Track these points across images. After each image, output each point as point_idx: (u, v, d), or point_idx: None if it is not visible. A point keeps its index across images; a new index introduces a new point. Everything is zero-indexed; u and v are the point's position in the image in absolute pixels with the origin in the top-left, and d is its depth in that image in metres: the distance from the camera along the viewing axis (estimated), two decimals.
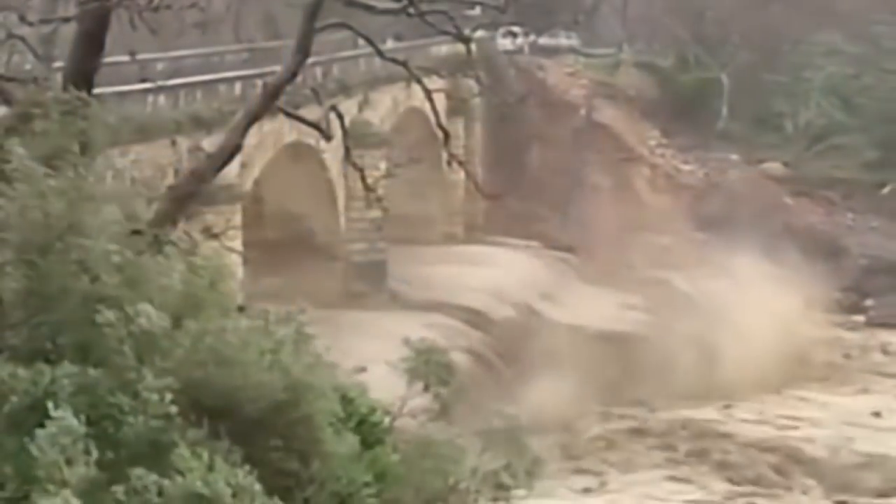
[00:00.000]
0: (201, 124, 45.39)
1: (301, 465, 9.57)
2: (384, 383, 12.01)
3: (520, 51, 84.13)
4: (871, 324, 69.85)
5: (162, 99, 47.55)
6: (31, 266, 9.49)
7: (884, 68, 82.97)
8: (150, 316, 9.28)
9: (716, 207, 76.07)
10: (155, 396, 8.90)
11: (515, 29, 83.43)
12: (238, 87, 51.14)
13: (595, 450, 52.22)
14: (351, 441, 10.23)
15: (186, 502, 8.41)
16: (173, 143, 43.50)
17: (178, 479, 8.41)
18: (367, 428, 10.74)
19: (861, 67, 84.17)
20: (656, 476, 49.83)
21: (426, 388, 11.18)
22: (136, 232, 10.37)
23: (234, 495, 8.47)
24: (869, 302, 71.75)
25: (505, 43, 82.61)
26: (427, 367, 11.39)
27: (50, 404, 8.58)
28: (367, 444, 10.56)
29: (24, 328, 9.45)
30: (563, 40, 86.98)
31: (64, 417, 8.46)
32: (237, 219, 45.55)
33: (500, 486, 11.09)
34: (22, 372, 8.96)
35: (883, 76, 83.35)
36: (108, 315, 9.19)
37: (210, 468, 8.51)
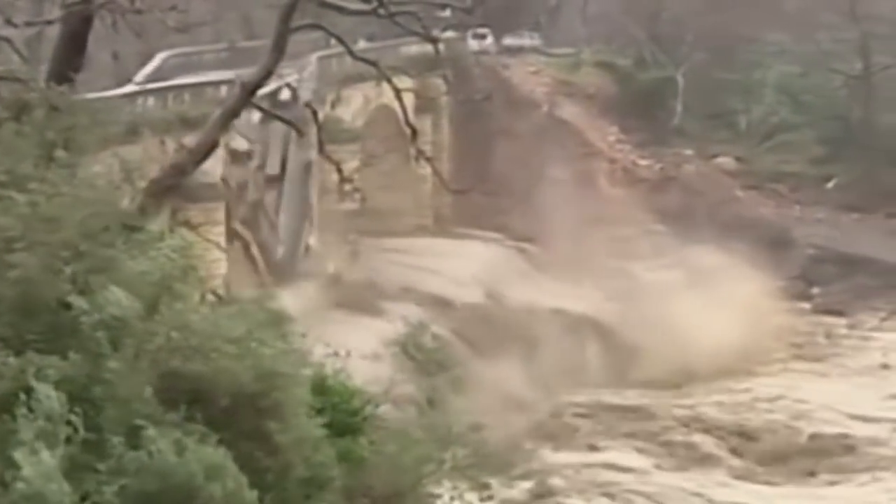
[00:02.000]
0: (188, 124, 45.15)
1: (270, 457, 9.49)
2: (364, 371, 11.88)
3: (487, 51, 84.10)
4: (817, 311, 70.25)
5: (151, 101, 47.50)
6: None
7: (829, 68, 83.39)
8: (121, 302, 9.18)
9: (672, 200, 76.26)
10: (127, 382, 8.82)
11: (483, 31, 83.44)
12: (225, 88, 50.91)
13: (548, 432, 52.19)
14: (321, 430, 10.14)
15: (162, 480, 8.35)
16: (162, 142, 43.34)
17: (151, 457, 8.34)
18: (342, 416, 10.59)
19: (807, 67, 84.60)
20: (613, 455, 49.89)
21: (425, 373, 11.02)
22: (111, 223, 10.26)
23: (208, 475, 8.39)
24: (815, 290, 72.13)
25: (473, 44, 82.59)
26: (418, 351, 11.28)
27: (34, 389, 8.50)
28: (341, 432, 10.43)
29: (7, 318, 9.39)
30: (526, 40, 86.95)
31: (49, 398, 8.38)
32: (220, 216, 45.32)
33: (470, 479, 11.02)
34: (13, 360, 8.89)
35: (828, 75, 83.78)
36: (79, 303, 9.09)
37: (181, 449, 8.44)
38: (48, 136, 10.65)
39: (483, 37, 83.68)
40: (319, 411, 10.10)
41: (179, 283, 9.87)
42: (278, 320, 9.83)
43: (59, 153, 10.48)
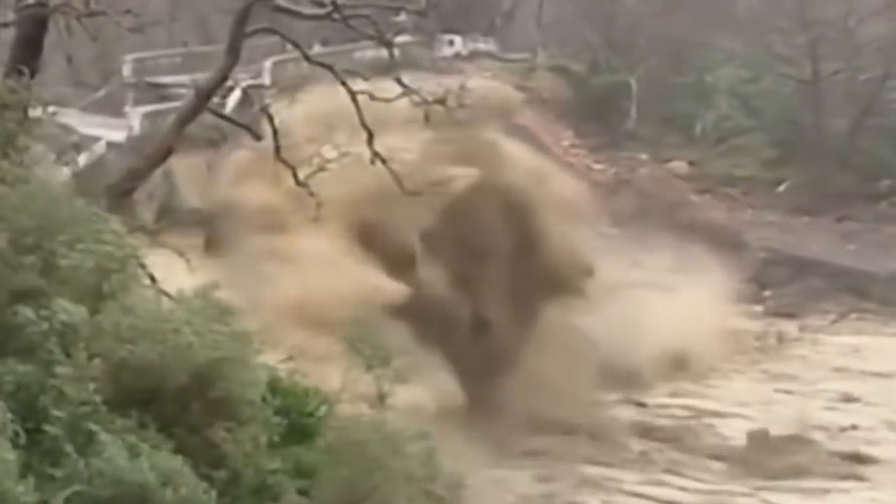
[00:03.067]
0: None
1: (221, 466, 9.41)
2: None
3: (458, 57, 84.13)
4: (769, 313, 70.71)
5: None
6: None
7: (779, 72, 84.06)
8: (68, 309, 9.13)
9: (626, 204, 76.58)
10: (77, 388, 8.74)
11: (453, 36, 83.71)
12: None
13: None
14: (274, 433, 10.06)
15: (114, 486, 8.31)
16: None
17: (104, 464, 8.28)
18: (297, 417, 10.51)
19: (758, 71, 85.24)
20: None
21: (367, 370, 10.97)
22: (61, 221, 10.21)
23: (163, 481, 8.34)
24: (767, 293, 72.62)
25: (444, 49, 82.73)
26: (365, 346, 11.19)
27: None
28: (296, 435, 10.35)
29: None
30: (480, 45, 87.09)
31: None
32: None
33: (426, 493, 10.96)
34: None
35: (779, 80, 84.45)
36: (26, 313, 9.03)
37: (135, 454, 8.38)
38: (3, 132, 10.60)
39: (452, 42, 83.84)
40: (275, 413, 10.07)
41: (119, 274, 9.82)
42: (226, 312, 9.77)
43: (13, 151, 10.44)
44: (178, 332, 9.15)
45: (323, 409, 11.00)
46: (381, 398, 11.24)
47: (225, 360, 9.28)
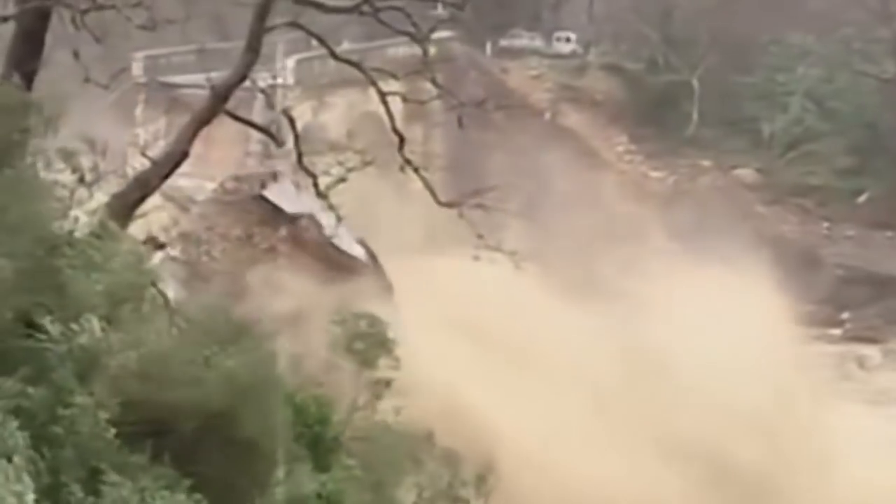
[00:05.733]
0: None
1: (239, 492, 9.45)
2: None
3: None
4: (848, 337, 70.18)
5: None
6: None
7: (858, 70, 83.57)
8: (94, 331, 9.11)
9: (686, 216, 76.27)
10: (90, 420, 8.72)
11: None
12: None
13: None
14: (304, 469, 10.14)
15: None
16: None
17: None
18: (316, 433, 10.63)
19: (834, 70, 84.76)
20: None
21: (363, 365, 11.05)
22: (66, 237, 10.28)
23: None
24: (845, 315, 72.11)
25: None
26: (360, 341, 11.26)
27: None
28: (317, 454, 10.47)
29: None
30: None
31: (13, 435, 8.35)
32: None
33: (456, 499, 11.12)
34: None
35: (857, 79, 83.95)
36: (51, 329, 8.99)
37: (144, 499, 8.37)
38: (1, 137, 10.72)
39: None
40: (299, 441, 10.19)
41: (134, 303, 9.84)
42: (241, 333, 9.83)
43: (13, 160, 10.56)
44: (195, 377, 9.17)
45: (338, 425, 11.16)
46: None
47: (242, 398, 9.35)
